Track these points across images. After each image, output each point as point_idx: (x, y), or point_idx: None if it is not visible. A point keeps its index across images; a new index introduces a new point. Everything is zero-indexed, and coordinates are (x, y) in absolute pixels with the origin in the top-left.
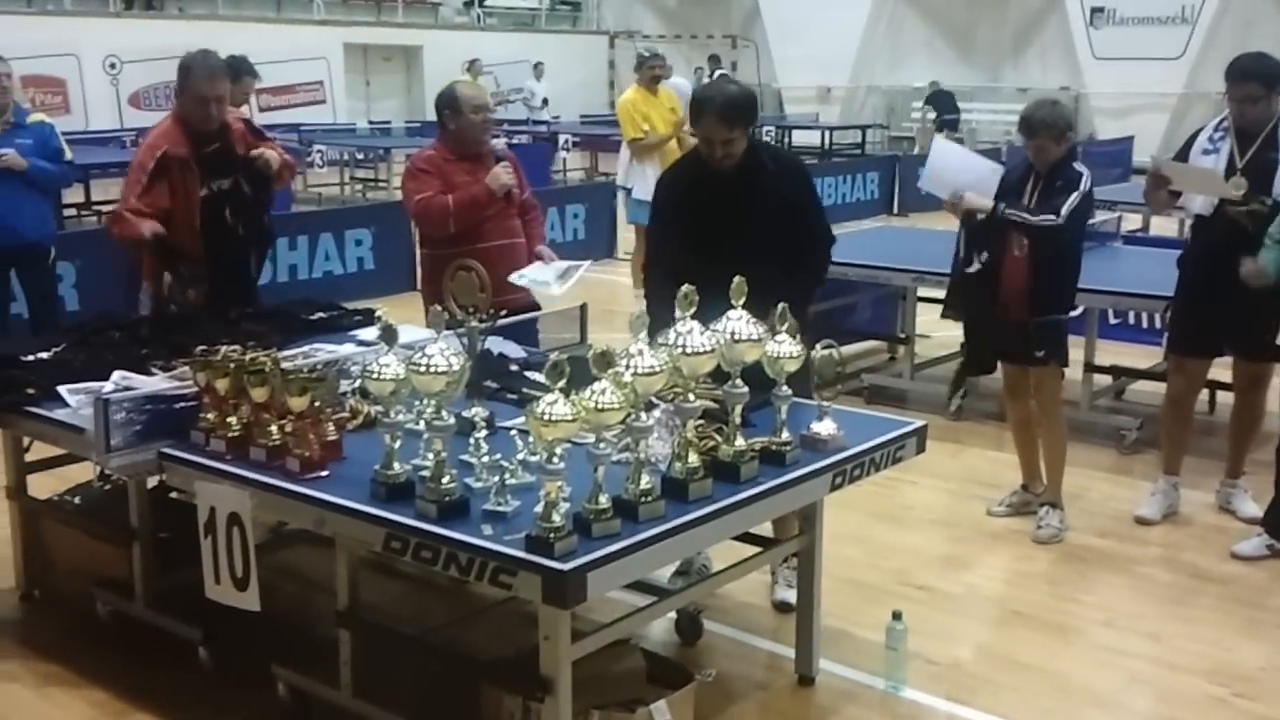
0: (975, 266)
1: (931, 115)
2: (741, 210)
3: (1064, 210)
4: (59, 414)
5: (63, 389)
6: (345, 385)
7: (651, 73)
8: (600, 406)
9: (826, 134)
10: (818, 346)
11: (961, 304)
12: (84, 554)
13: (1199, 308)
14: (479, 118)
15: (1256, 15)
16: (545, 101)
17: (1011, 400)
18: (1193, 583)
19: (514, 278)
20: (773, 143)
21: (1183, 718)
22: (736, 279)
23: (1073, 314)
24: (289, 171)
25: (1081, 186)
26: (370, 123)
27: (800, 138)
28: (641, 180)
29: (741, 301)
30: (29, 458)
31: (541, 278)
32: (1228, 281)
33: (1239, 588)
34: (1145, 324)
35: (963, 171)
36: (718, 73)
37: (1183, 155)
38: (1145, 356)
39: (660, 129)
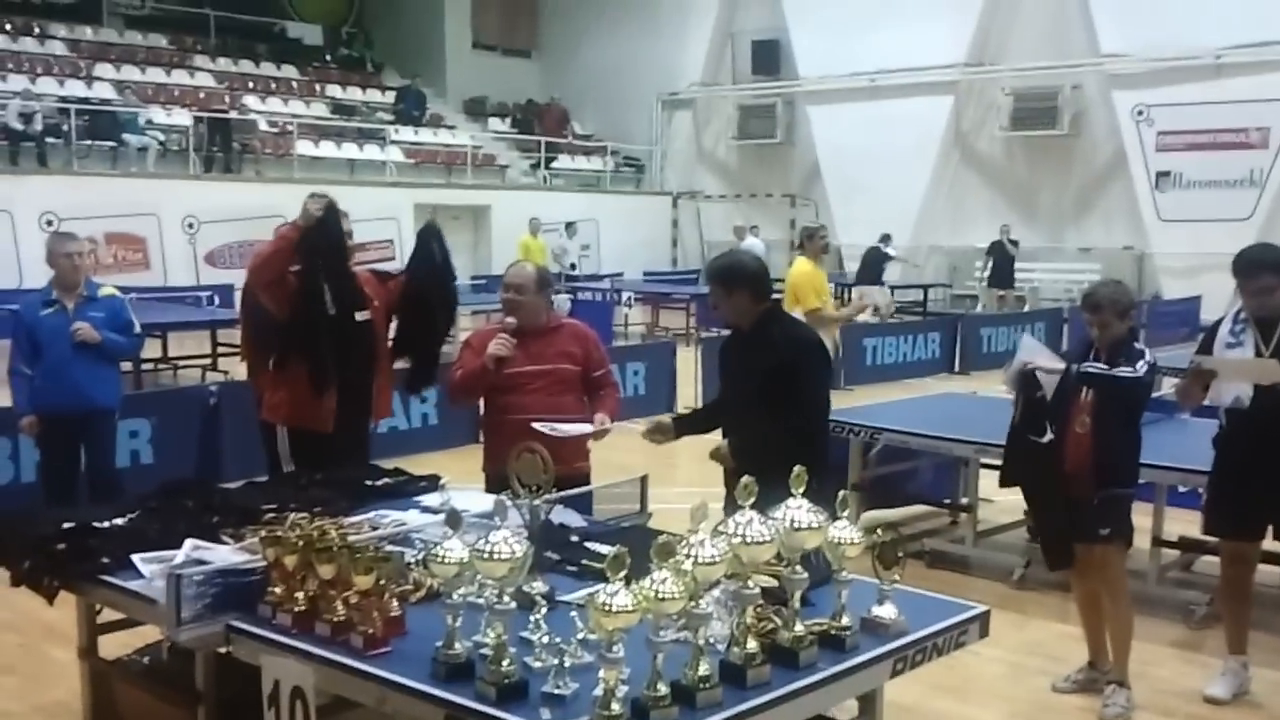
0: (1049, 436)
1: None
2: (743, 367)
3: (1140, 365)
4: (133, 584)
5: (137, 559)
6: (409, 555)
7: (823, 244)
8: (661, 596)
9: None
10: (878, 530)
11: (1026, 480)
12: (151, 714)
13: (1240, 490)
14: (508, 297)
15: None
16: (574, 265)
17: (1078, 577)
18: None
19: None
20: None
21: None
22: (797, 468)
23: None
24: None
25: (1147, 358)
26: None
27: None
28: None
29: (801, 490)
30: (101, 619)
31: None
32: (1269, 464)
33: None
34: None
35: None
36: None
37: (1206, 350)
38: None
39: (829, 300)
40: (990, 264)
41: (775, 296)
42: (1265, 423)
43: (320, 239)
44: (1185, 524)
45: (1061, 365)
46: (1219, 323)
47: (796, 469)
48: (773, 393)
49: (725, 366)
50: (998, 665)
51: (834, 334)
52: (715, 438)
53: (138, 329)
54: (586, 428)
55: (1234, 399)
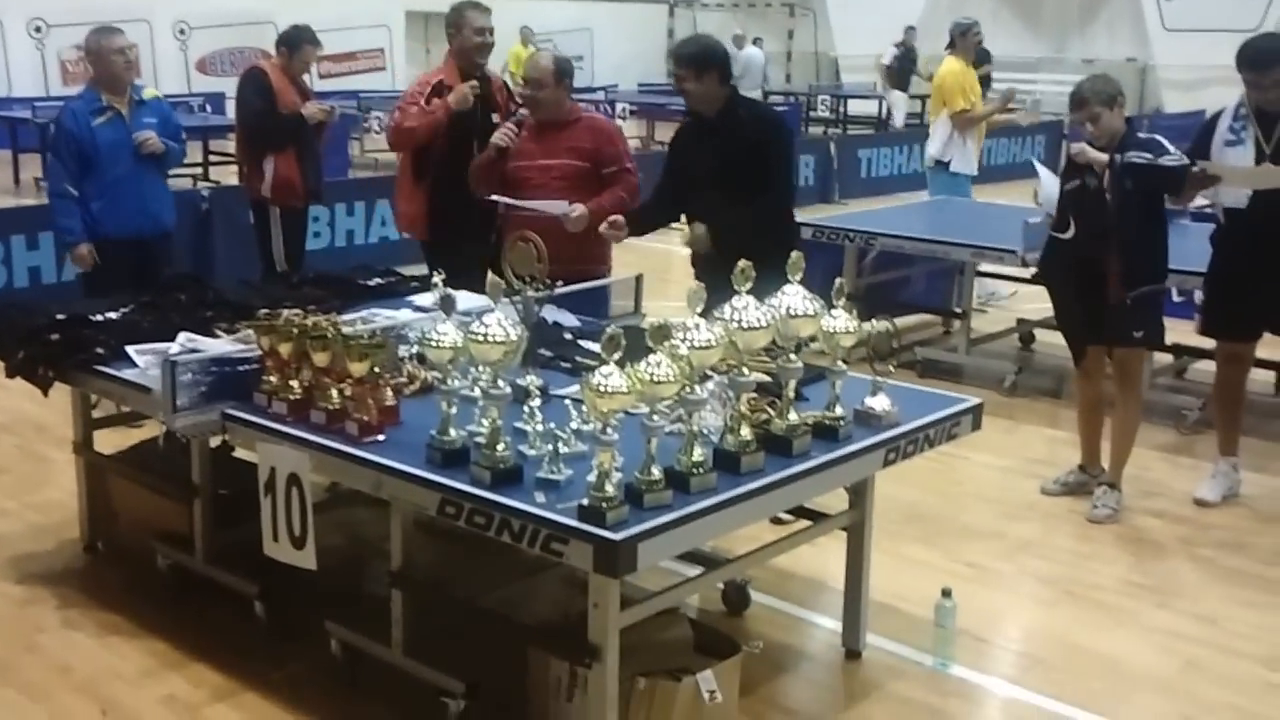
0: (1071, 232)
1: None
2: (713, 152)
3: (1177, 151)
4: (127, 374)
5: (131, 349)
6: (403, 351)
7: (975, 41)
8: (655, 379)
9: (883, 103)
10: (872, 320)
11: (1051, 280)
12: (146, 509)
13: (1236, 291)
14: (525, 92)
15: None
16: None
17: (1086, 380)
18: (1252, 566)
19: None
20: (762, 100)
21: (1239, 704)
22: (794, 254)
23: (1176, 296)
24: None
25: (1166, 143)
26: None
27: (856, 107)
28: (961, 154)
29: (799, 278)
30: (95, 414)
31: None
32: (1267, 264)
33: None
34: None
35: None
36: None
37: (1203, 145)
38: None
39: (979, 101)
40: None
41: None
42: (1262, 224)
43: (471, 122)
44: (1179, 334)
45: (1104, 157)
46: (1216, 117)
47: (794, 255)
48: (746, 175)
49: (686, 154)
50: (988, 470)
51: (980, 135)
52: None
53: (184, 135)
54: (558, 205)
55: (1234, 198)
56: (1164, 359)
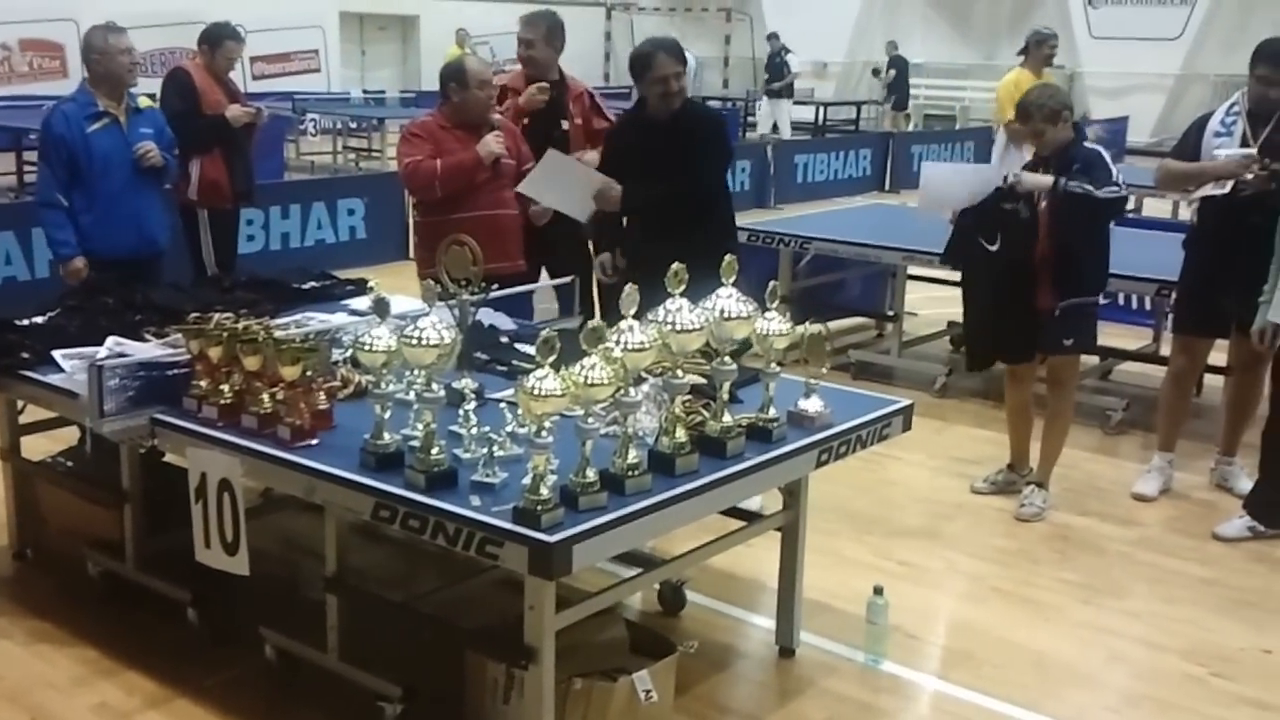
0: (998, 246)
1: (891, 74)
2: (681, 151)
3: (1120, 180)
4: (53, 379)
5: (57, 354)
6: (337, 355)
7: (1050, 53)
8: (590, 382)
9: (821, 110)
10: (805, 323)
11: (966, 272)
12: (76, 515)
13: (1208, 289)
14: (484, 93)
15: None
16: None
17: (1014, 385)
18: (1174, 562)
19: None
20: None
21: (1160, 696)
22: (728, 257)
23: (1103, 300)
24: None
25: (1109, 162)
26: (365, 92)
27: (794, 113)
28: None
29: (733, 280)
30: (23, 420)
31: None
32: (1237, 262)
33: (1220, 568)
34: (1135, 305)
35: (956, 185)
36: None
37: (1194, 139)
38: (1133, 338)
39: None
40: (890, 83)
41: None
42: (1229, 224)
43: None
44: (1104, 336)
45: (1048, 181)
46: (1207, 117)
47: (728, 258)
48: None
49: (630, 151)
50: (919, 469)
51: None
52: None
53: (176, 150)
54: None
55: (1212, 185)
56: (1090, 360)
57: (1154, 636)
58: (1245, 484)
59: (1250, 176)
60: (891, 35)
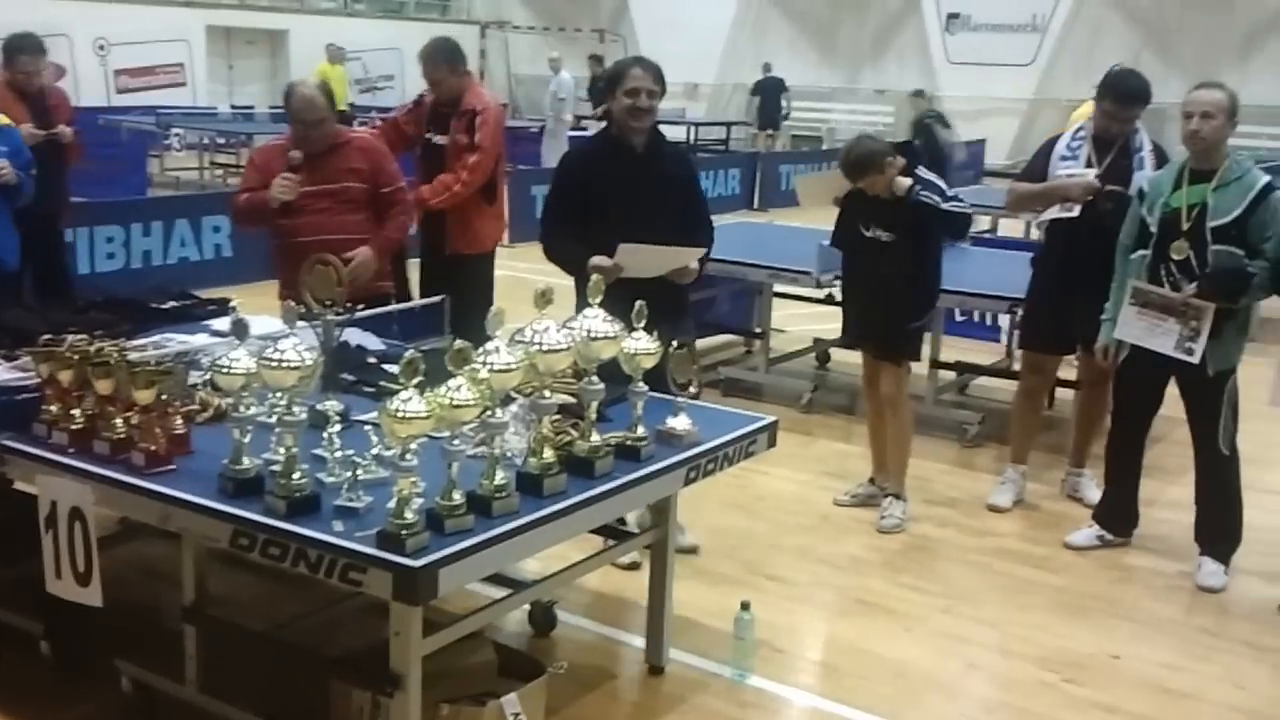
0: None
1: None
2: (652, 181)
3: (955, 193)
4: None
5: None
6: (196, 377)
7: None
8: (455, 403)
9: (692, 129)
10: (673, 344)
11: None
12: None
13: (1054, 307)
14: (300, 132)
15: (1104, 24)
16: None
17: (871, 390)
18: (1028, 572)
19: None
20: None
21: (1015, 702)
22: (595, 277)
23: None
24: None
25: (945, 188)
26: (233, 107)
27: (666, 133)
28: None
29: (599, 300)
30: None
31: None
32: (1083, 282)
33: (1071, 576)
34: (989, 322)
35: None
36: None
37: (1042, 162)
38: (988, 353)
39: None
40: (759, 103)
41: None
42: (1076, 244)
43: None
44: (961, 352)
45: (907, 182)
46: (1054, 140)
47: (594, 278)
48: (684, 207)
49: (607, 184)
50: (785, 483)
51: None
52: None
53: (34, 170)
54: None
55: (1060, 208)
56: (947, 376)
57: (1009, 644)
58: (1095, 494)
59: (1092, 198)
60: (760, 56)
